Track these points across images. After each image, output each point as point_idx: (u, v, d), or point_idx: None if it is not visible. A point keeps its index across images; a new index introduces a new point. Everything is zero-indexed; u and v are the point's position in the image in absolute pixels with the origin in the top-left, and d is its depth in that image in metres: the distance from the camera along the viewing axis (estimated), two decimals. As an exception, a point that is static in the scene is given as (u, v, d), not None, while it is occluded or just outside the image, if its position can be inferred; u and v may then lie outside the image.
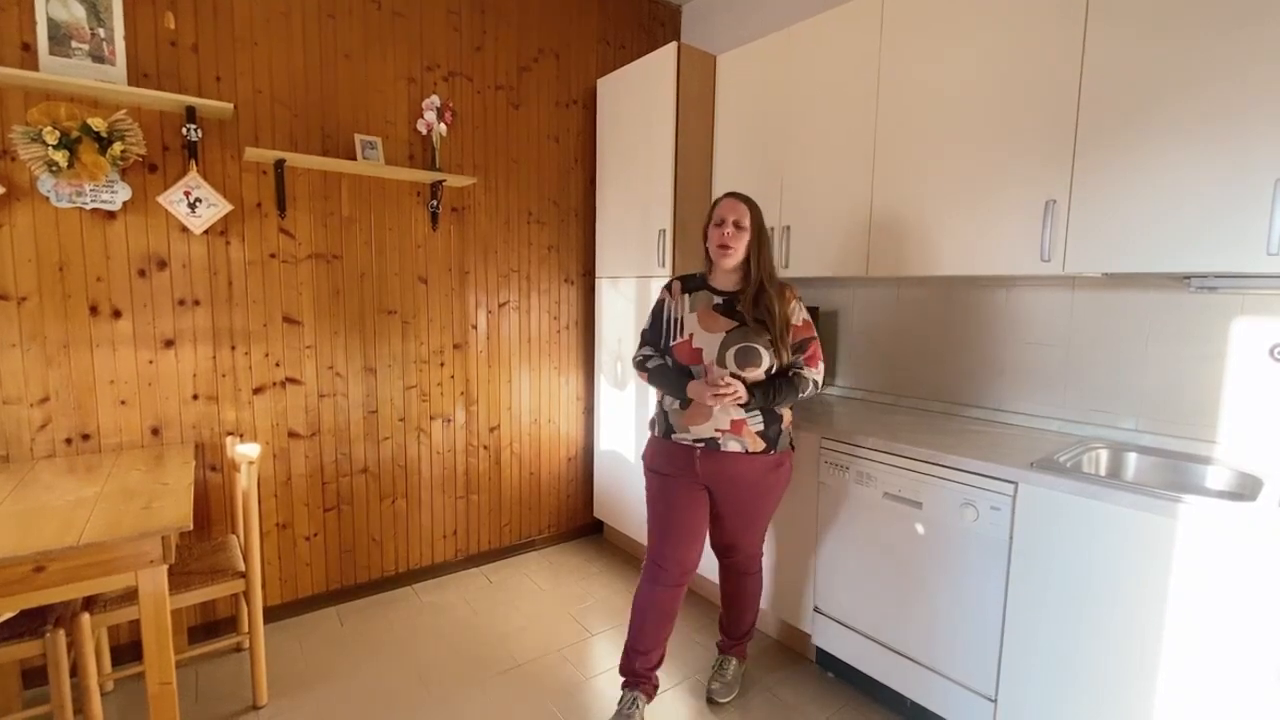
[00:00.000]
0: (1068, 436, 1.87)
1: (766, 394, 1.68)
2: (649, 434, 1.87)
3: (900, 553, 1.80)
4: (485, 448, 2.85)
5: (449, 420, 2.73)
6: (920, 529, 1.75)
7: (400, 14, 2.44)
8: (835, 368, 2.60)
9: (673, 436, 1.76)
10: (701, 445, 1.71)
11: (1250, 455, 1.61)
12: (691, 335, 1.72)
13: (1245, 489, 1.51)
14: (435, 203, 2.57)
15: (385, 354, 2.53)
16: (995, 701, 1.61)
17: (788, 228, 2.33)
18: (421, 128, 2.47)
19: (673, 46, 2.48)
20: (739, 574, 1.96)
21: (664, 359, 1.80)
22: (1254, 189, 1.35)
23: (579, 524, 3.20)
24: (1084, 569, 1.44)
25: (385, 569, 2.62)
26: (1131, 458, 1.73)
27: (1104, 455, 1.75)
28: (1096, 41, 1.56)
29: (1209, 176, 1.41)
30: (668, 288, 1.86)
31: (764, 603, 2.23)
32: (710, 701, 1.94)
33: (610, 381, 2.94)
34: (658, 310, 1.85)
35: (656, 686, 1.87)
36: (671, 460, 1.77)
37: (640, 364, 1.83)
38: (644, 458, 1.87)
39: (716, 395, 1.62)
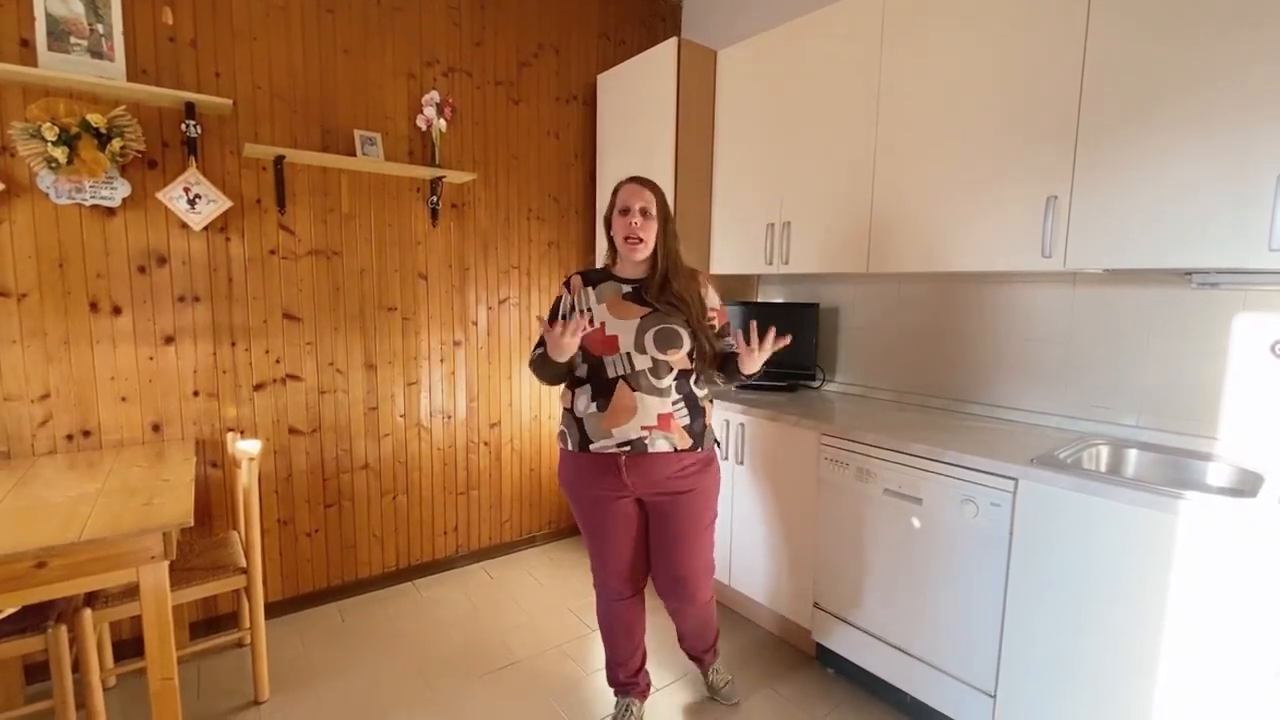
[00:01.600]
0: (1068, 433, 1.86)
1: (736, 374, 1.61)
2: (561, 449, 1.69)
3: (900, 549, 1.80)
4: (486, 444, 2.85)
5: (449, 416, 2.73)
6: (920, 525, 1.75)
7: (399, 9, 2.43)
8: (835, 364, 2.60)
9: (591, 448, 1.58)
10: (626, 450, 1.57)
11: (1251, 451, 1.61)
12: (603, 324, 1.58)
13: (1246, 485, 1.51)
14: (435, 199, 2.57)
15: (385, 350, 2.53)
16: (995, 697, 1.61)
17: (788, 224, 2.32)
18: (421, 123, 2.46)
19: (673, 42, 2.47)
20: (694, 605, 1.75)
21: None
22: (1255, 185, 1.34)
23: (579, 520, 3.20)
24: (1084, 565, 1.44)
25: (386, 565, 2.62)
26: (1132, 454, 1.73)
27: (1104, 452, 1.75)
28: (1098, 38, 1.55)
29: (1210, 173, 1.40)
30: (566, 284, 1.69)
31: (763, 598, 2.24)
32: (730, 706, 1.91)
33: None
34: (554, 308, 1.69)
35: (649, 685, 1.87)
36: (594, 477, 1.61)
37: (530, 359, 1.66)
38: (560, 478, 1.71)
39: (562, 328, 1.43)
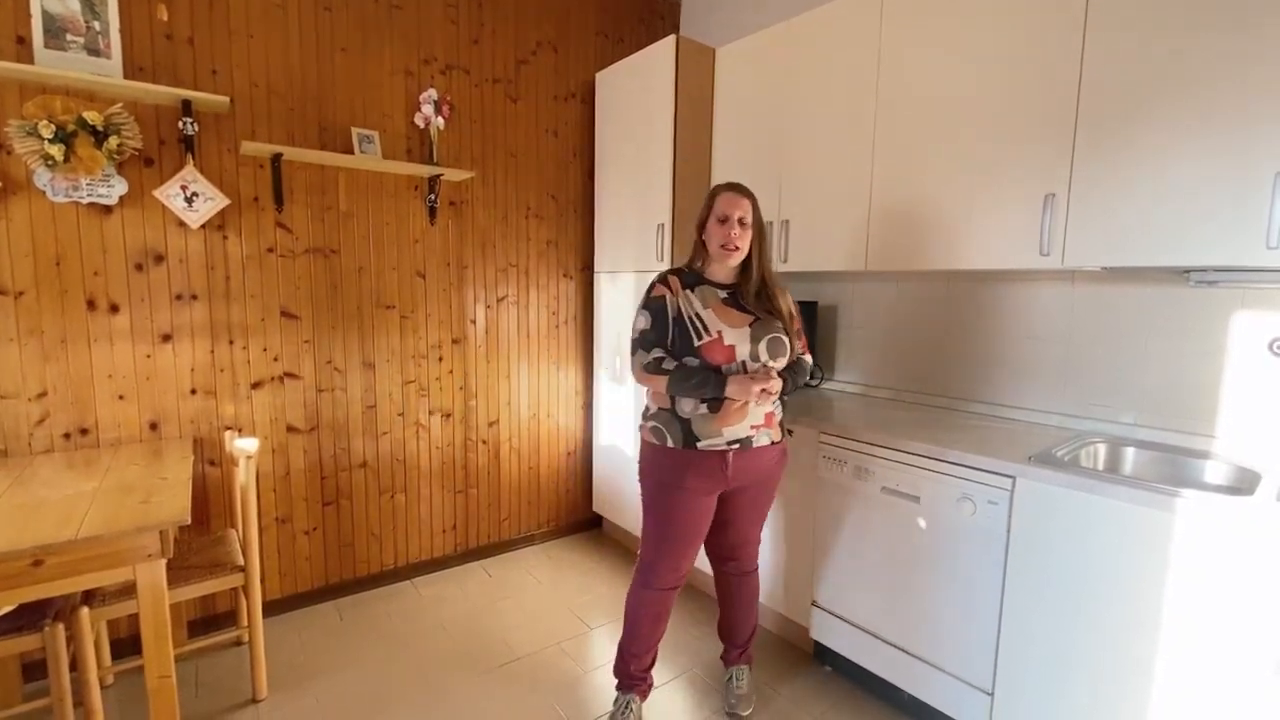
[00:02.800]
0: (1066, 431, 1.87)
1: (795, 380, 1.71)
2: (654, 445, 1.69)
3: (898, 547, 1.80)
4: (484, 442, 2.85)
5: (448, 415, 2.73)
6: (918, 523, 1.75)
7: (397, 6, 2.43)
8: (834, 363, 2.60)
9: (699, 445, 1.61)
10: (735, 447, 1.63)
11: (1249, 450, 1.61)
12: (721, 333, 1.61)
13: (1243, 483, 1.51)
14: (433, 197, 2.56)
15: (383, 349, 2.53)
16: (992, 695, 1.61)
17: (787, 222, 2.32)
18: (419, 121, 2.46)
19: (671, 39, 2.46)
20: (741, 574, 1.88)
21: (677, 361, 1.64)
22: (1254, 182, 1.34)
23: (578, 519, 3.21)
24: (1081, 563, 1.44)
25: (384, 563, 2.62)
26: (1130, 452, 1.73)
27: (1102, 450, 1.75)
28: (1097, 36, 1.55)
29: (1209, 171, 1.40)
30: (664, 283, 1.68)
31: (762, 597, 2.24)
32: (732, 716, 1.87)
33: (609, 376, 2.93)
34: (658, 309, 1.66)
35: (651, 685, 1.86)
36: (692, 472, 1.64)
37: (656, 368, 1.62)
38: (649, 471, 1.71)
39: (765, 390, 1.56)
